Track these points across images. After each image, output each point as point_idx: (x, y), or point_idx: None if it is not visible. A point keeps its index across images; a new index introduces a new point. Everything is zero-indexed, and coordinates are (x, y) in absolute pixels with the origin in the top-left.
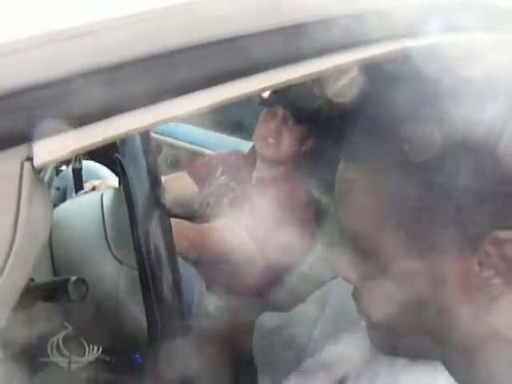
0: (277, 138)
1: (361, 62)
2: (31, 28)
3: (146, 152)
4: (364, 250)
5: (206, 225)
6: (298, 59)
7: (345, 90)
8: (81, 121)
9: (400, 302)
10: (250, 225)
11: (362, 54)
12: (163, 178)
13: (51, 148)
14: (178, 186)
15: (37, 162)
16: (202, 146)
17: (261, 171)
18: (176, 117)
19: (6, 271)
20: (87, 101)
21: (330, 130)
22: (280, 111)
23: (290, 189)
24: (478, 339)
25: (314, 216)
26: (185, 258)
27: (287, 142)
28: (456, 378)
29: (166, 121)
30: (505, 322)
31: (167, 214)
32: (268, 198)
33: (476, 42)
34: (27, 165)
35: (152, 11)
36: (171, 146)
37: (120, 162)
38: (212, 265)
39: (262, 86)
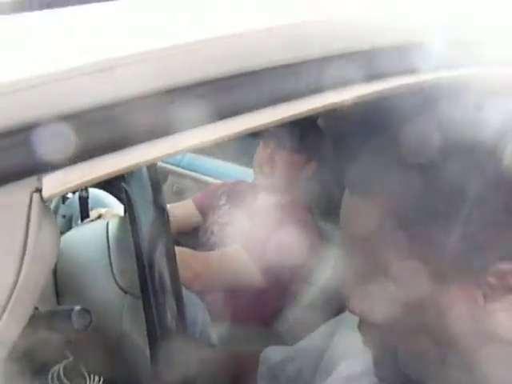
0: (270, 167)
1: (377, 94)
2: (44, 63)
3: (152, 181)
4: (371, 279)
5: (211, 253)
6: (310, 93)
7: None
8: (91, 153)
9: (408, 333)
10: (255, 252)
11: (378, 87)
12: (168, 207)
13: (61, 180)
14: (182, 214)
15: (46, 193)
16: (207, 175)
17: (264, 200)
18: (183, 150)
19: (12, 300)
20: (98, 133)
21: (334, 154)
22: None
23: (293, 217)
24: (478, 340)
25: (319, 244)
26: (189, 287)
27: (281, 170)
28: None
29: (175, 154)
30: (505, 324)
31: (172, 242)
32: (272, 226)
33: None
34: (36, 196)
35: (163, 49)
36: (176, 174)
37: (126, 191)
38: (216, 293)
39: (270, 119)
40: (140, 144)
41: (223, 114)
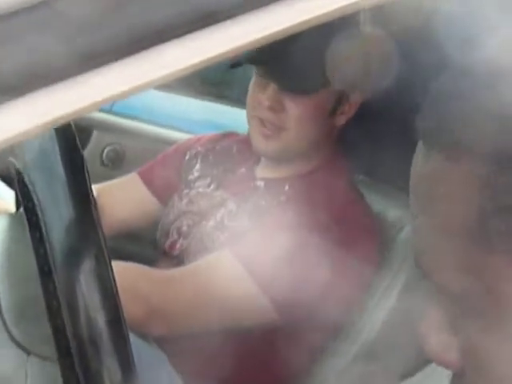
0: (275, 123)
1: None
2: None
3: (64, 145)
4: (468, 298)
5: (179, 269)
6: None
7: None
8: None
9: None
10: (257, 265)
11: None
12: (95, 189)
13: None
14: (123, 200)
15: None
16: (164, 126)
17: (269, 169)
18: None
19: None
20: None
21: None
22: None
23: (324, 198)
24: None
25: (373, 244)
26: (143, 332)
27: (297, 125)
28: None
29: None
30: None
31: (107, 256)
32: (286, 215)
33: None
34: None
35: None
36: (107, 128)
37: (17, 170)
38: (193, 343)
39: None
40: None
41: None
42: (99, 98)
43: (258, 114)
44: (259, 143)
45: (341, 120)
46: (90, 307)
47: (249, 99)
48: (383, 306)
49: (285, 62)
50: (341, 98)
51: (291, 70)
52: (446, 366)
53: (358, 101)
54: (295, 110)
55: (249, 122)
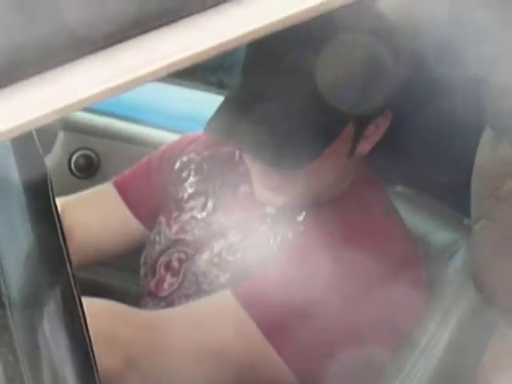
0: (280, 174)
1: None
2: None
3: (20, 148)
4: None
5: (167, 312)
6: None
7: None
8: None
9: None
10: (267, 315)
11: None
12: (61, 204)
13: None
14: (96, 219)
15: None
16: (150, 123)
17: (291, 187)
18: None
19: None
20: None
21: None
22: None
23: (351, 227)
24: None
25: (419, 277)
26: None
27: (307, 176)
28: None
29: None
30: None
31: (76, 289)
32: (304, 252)
33: None
34: None
35: None
36: (78, 127)
37: None
38: None
39: None
40: None
41: None
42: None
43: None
44: (263, 196)
45: (366, 147)
46: (54, 359)
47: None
48: (433, 349)
49: (264, 133)
50: (362, 129)
51: (276, 143)
52: None
53: (388, 117)
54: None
55: (249, 164)
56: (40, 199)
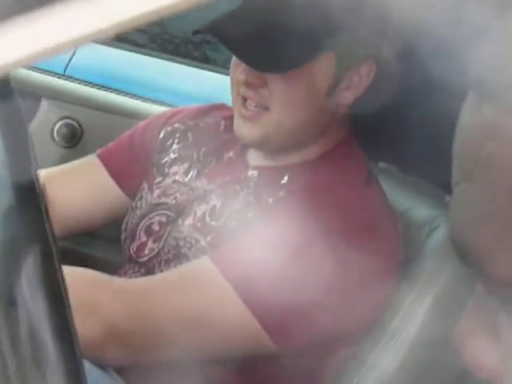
0: (256, 101)
1: None
2: None
3: (1, 114)
4: None
5: (146, 279)
6: None
7: None
8: None
9: None
10: (245, 280)
11: None
12: (44, 174)
13: None
14: (79, 189)
15: None
16: (134, 95)
17: (265, 155)
18: None
19: None
20: None
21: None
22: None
23: (333, 193)
24: None
25: (395, 251)
26: (100, 360)
27: (281, 104)
28: None
29: None
30: None
31: (56, 253)
32: (284, 216)
33: None
34: None
35: None
36: (61, 96)
37: None
38: (165, 376)
39: None
40: None
41: None
42: None
43: (238, 92)
44: (238, 127)
45: (347, 97)
46: (33, 318)
47: (230, 72)
48: (410, 323)
49: (249, 32)
50: (343, 70)
51: (258, 43)
52: (483, 372)
53: (371, 70)
54: (279, 84)
55: (232, 101)
56: (21, 166)
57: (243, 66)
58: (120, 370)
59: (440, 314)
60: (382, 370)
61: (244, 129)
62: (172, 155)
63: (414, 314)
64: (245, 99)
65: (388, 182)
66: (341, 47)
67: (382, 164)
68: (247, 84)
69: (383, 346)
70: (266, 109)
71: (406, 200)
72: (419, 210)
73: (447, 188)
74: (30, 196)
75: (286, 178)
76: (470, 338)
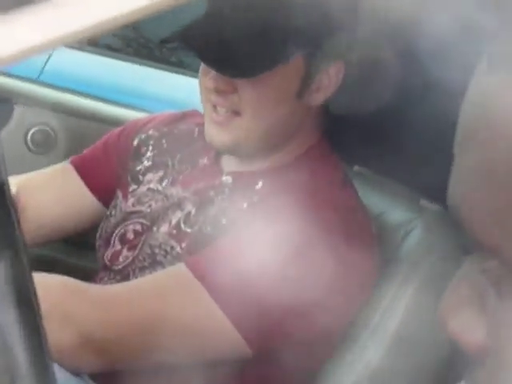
0: (226, 106)
1: None
2: None
3: None
4: None
5: (121, 286)
6: None
7: None
8: None
9: None
10: (220, 285)
11: None
12: (16, 181)
13: None
14: (53, 197)
15: None
16: (108, 101)
17: (238, 160)
18: None
19: None
20: None
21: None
22: None
23: (307, 197)
24: None
25: (371, 254)
26: (75, 368)
27: (252, 109)
28: None
29: None
30: None
31: (26, 259)
32: (258, 221)
33: None
34: None
35: None
36: (35, 102)
37: None
38: (147, 380)
39: None
40: None
41: None
42: None
43: (208, 99)
44: (209, 133)
45: (317, 98)
46: (2, 325)
47: (199, 78)
48: (385, 326)
49: (216, 39)
50: (312, 72)
51: (226, 49)
52: (469, 347)
53: (340, 71)
54: (248, 90)
55: (203, 107)
56: None
57: (212, 73)
58: (95, 376)
59: (416, 314)
60: (359, 370)
61: (215, 134)
62: (146, 163)
63: (390, 314)
64: (215, 106)
65: (363, 184)
66: (309, 50)
67: (356, 167)
68: (217, 91)
69: (361, 344)
70: (236, 114)
71: (381, 203)
72: (394, 212)
73: (422, 191)
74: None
75: (260, 183)
76: (456, 313)
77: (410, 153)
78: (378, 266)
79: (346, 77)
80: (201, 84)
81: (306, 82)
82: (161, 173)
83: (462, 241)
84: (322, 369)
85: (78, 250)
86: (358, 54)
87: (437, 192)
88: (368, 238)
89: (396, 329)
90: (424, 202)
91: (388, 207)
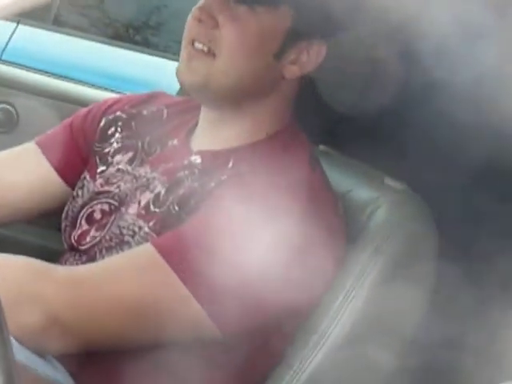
0: (204, 41)
1: None
2: None
3: None
4: None
5: (88, 266)
6: None
7: None
8: None
9: None
10: (188, 266)
11: None
12: None
13: None
14: (17, 177)
15: None
16: (73, 80)
17: (207, 139)
18: None
19: None
20: None
21: None
22: None
23: (276, 176)
24: None
25: (338, 234)
26: (41, 349)
27: (228, 49)
28: None
29: None
30: None
31: None
32: (227, 201)
33: None
34: None
35: None
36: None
37: None
38: (109, 363)
39: None
40: None
41: None
42: None
43: (189, 35)
44: (180, 71)
45: (291, 71)
46: None
47: (188, 18)
48: (349, 308)
49: None
50: (293, 39)
51: None
52: None
53: (321, 53)
54: (229, 28)
55: (182, 48)
56: None
57: (202, 3)
58: (62, 358)
59: (380, 297)
60: (309, 373)
61: (186, 72)
62: (115, 144)
63: (354, 297)
64: (193, 41)
65: (329, 164)
66: (300, 11)
67: (322, 146)
68: (199, 20)
69: (319, 335)
70: (212, 54)
71: (347, 182)
72: (360, 191)
73: (386, 170)
74: None
75: (231, 162)
76: None
77: (375, 133)
78: (344, 244)
79: (325, 62)
80: (187, 22)
81: (285, 46)
82: (130, 154)
83: (426, 218)
84: (287, 351)
85: (42, 231)
86: (345, 44)
87: (401, 171)
88: (334, 217)
89: (361, 307)
90: (388, 181)
91: (354, 186)
